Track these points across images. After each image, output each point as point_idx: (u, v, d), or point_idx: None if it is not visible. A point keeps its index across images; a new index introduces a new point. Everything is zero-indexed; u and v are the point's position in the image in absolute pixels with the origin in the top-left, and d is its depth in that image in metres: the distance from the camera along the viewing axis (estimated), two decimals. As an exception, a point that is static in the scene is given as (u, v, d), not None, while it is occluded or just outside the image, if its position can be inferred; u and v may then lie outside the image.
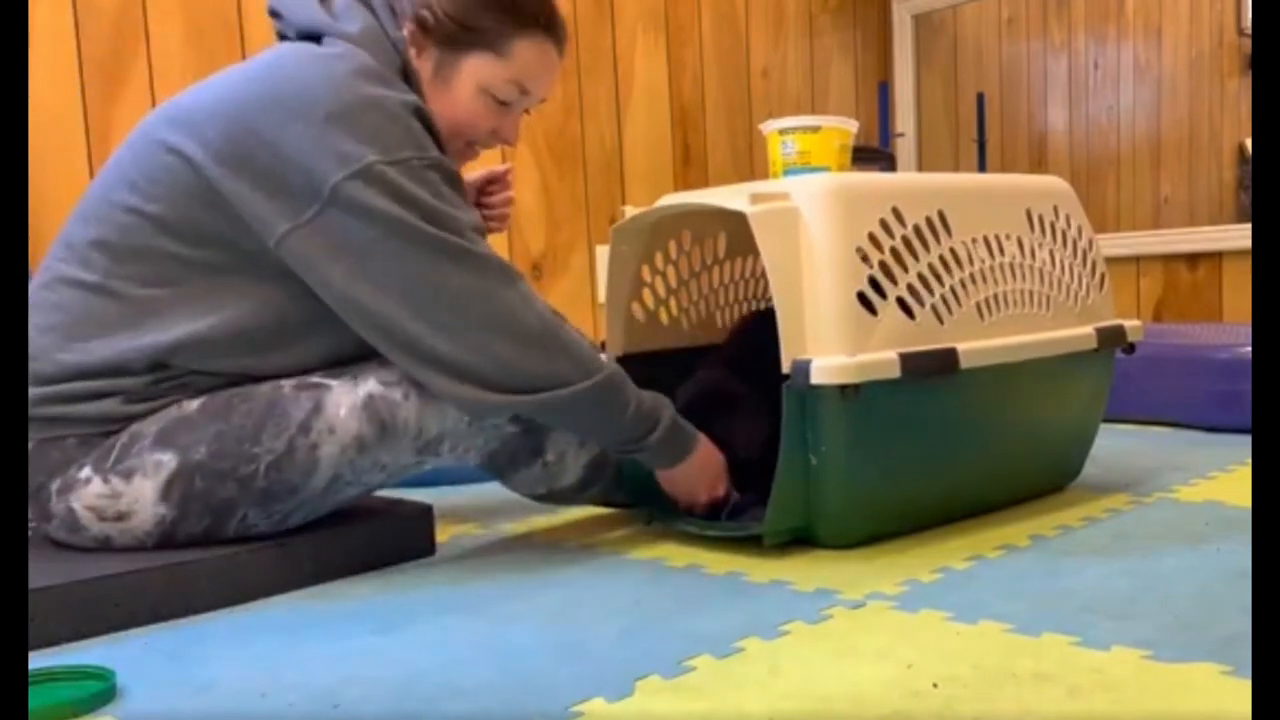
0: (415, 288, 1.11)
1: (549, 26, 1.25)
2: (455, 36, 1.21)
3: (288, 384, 1.17)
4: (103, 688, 0.87)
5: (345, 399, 1.15)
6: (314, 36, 1.19)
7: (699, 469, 1.28)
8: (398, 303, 1.11)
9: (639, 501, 1.38)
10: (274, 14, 1.24)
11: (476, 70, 1.23)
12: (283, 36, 1.24)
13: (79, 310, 1.14)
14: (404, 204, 1.09)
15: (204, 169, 1.11)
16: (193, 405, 1.15)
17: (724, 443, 1.30)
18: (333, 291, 1.12)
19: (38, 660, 0.95)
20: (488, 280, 1.13)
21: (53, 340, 1.13)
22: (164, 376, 1.15)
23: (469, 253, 1.12)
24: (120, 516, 1.12)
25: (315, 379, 1.17)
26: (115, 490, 1.12)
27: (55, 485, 1.13)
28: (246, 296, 1.15)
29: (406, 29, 1.22)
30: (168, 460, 1.12)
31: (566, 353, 1.16)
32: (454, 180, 1.16)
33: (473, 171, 1.46)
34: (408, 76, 1.22)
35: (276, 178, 1.09)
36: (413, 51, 1.22)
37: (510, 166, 1.49)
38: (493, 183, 1.47)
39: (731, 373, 1.39)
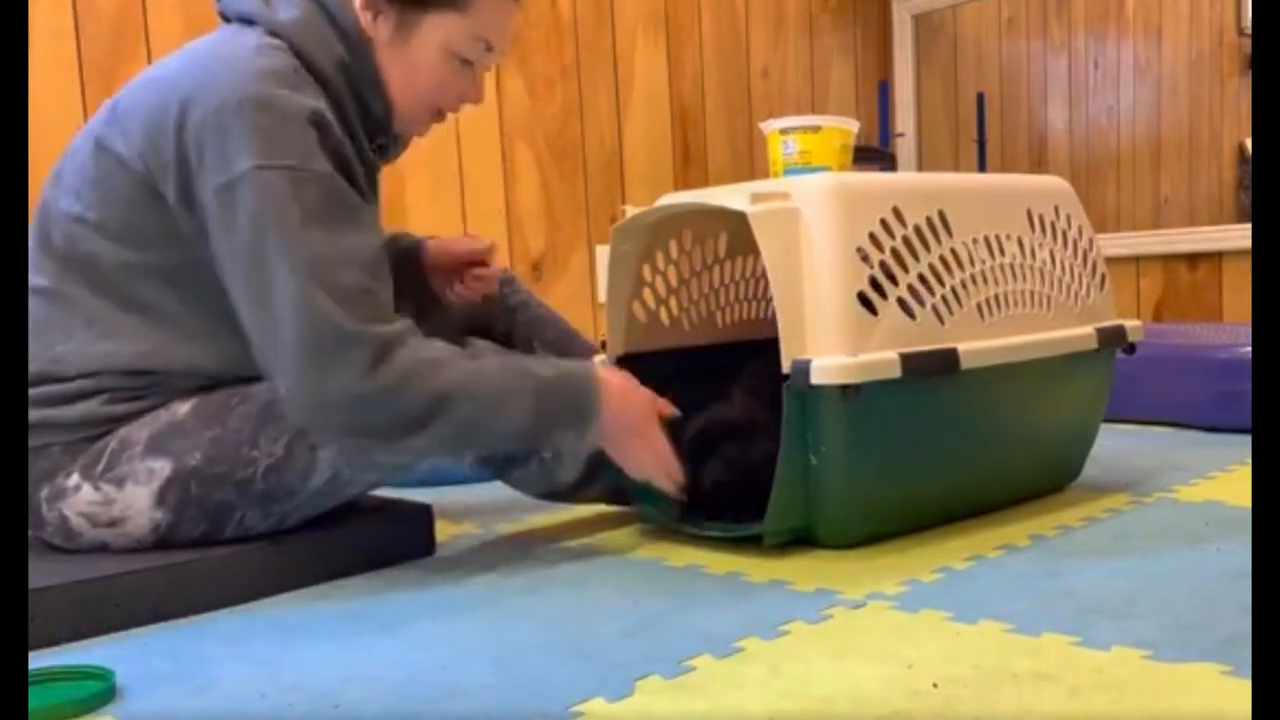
0: (261, 320, 1.08)
1: None
2: None
3: None
4: (103, 688, 0.87)
5: None
6: (249, 22, 1.16)
7: (619, 421, 1.19)
8: (250, 325, 1.10)
9: (640, 501, 1.38)
10: None
11: (439, 28, 1.18)
12: (224, 15, 1.20)
13: (39, 317, 1.14)
14: (271, 218, 1.05)
15: (131, 164, 1.11)
16: (184, 408, 1.14)
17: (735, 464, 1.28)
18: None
19: (38, 660, 0.95)
20: (322, 332, 1.05)
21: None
22: (142, 372, 1.14)
23: (308, 300, 1.05)
24: (114, 522, 1.12)
25: None
26: (107, 497, 1.11)
27: (44, 493, 1.12)
28: (199, 301, 1.13)
29: None
30: (161, 467, 1.11)
31: (408, 391, 1.08)
32: (338, 196, 1.09)
33: (459, 241, 1.43)
34: (356, 57, 1.16)
35: (181, 166, 1.08)
36: (367, 16, 1.17)
37: (492, 248, 1.43)
38: (476, 265, 1.42)
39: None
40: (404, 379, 1.08)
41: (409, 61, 1.19)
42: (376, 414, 1.08)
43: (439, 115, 1.27)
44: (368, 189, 1.18)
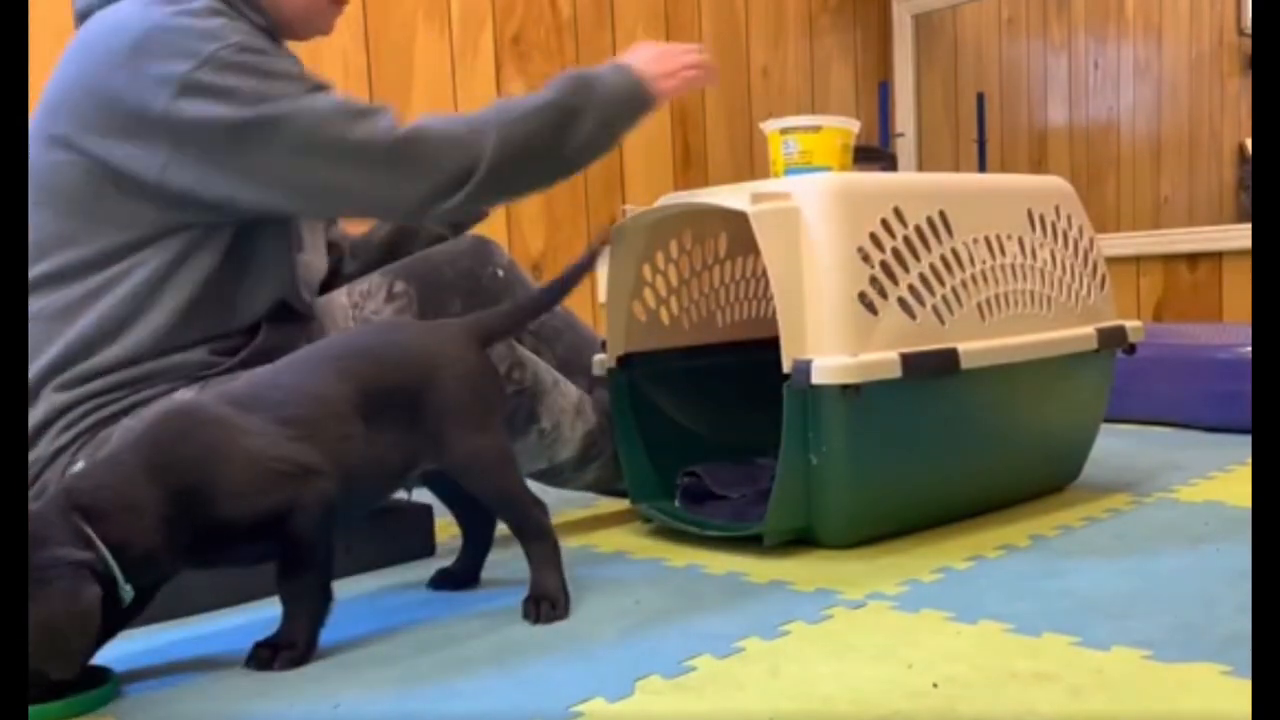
0: (285, 176, 1.13)
1: None
2: None
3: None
4: (103, 688, 0.87)
5: None
6: None
7: (650, 64, 1.28)
8: (285, 192, 1.15)
9: (639, 496, 1.38)
10: None
11: None
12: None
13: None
14: (228, 101, 1.10)
15: (78, 144, 1.13)
16: (187, 395, 1.15)
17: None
18: (233, 204, 1.15)
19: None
20: (333, 125, 1.13)
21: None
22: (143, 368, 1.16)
23: (301, 112, 1.12)
24: None
25: None
26: None
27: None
28: (164, 266, 1.16)
29: None
30: None
31: (443, 146, 1.15)
32: (260, 50, 1.14)
33: None
34: None
35: (122, 125, 1.12)
36: None
37: None
38: None
39: None
40: (411, 134, 1.15)
41: None
42: (408, 163, 1.15)
43: (339, 6, 1.30)
44: None
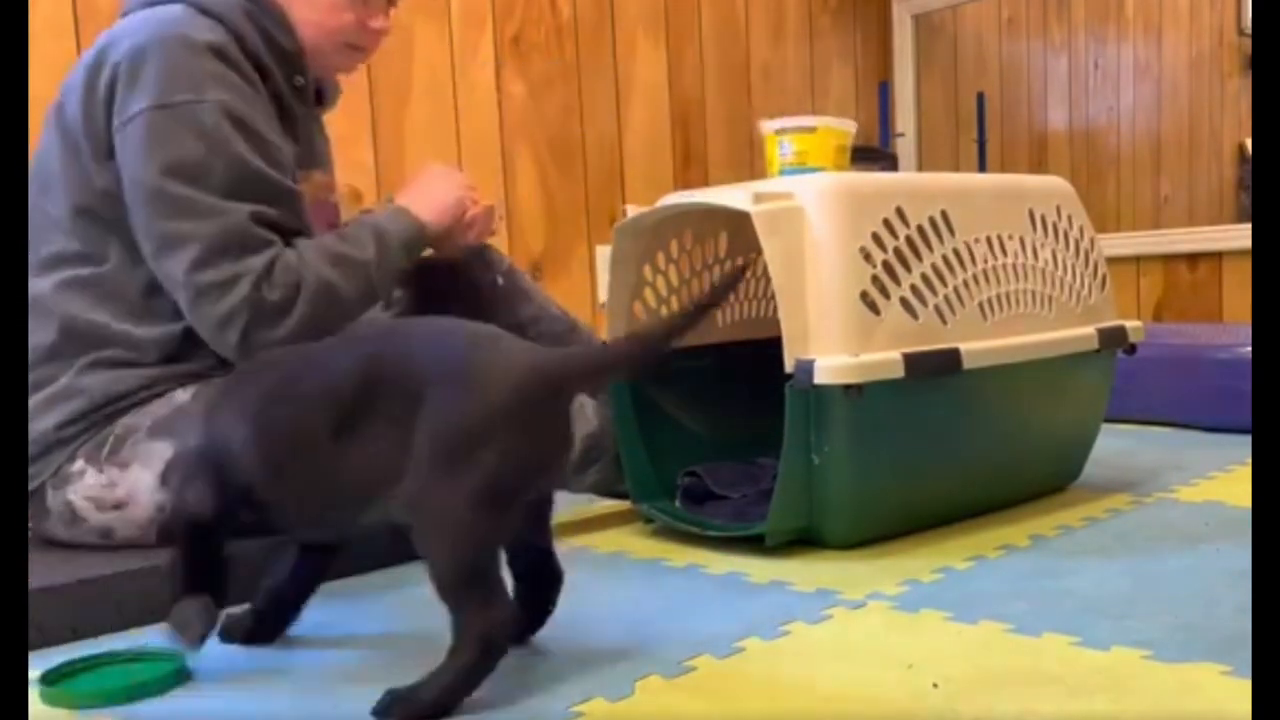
0: (163, 241, 1.11)
1: None
2: None
3: None
4: (179, 666, 0.91)
5: None
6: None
7: (429, 202, 1.27)
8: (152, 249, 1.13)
9: (639, 496, 1.38)
10: None
11: None
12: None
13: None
14: (160, 154, 1.09)
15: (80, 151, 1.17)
16: (185, 395, 1.16)
17: None
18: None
19: (42, 659, 0.95)
20: (195, 256, 1.10)
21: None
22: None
23: (204, 220, 1.09)
24: (119, 505, 1.14)
25: None
26: (111, 480, 1.13)
27: (50, 481, 1.15)
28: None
29: None
30: (163, 449, 1.13)
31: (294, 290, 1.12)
32: (240, 120, 1.12)
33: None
34: (261, 7, 1.20)
35: (89, 133, 1.15)
36: None
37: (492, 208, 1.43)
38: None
39: None
40: (287, 288, 1.12)
41: (309, 2, 1.23)
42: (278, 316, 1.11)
43: (355, 51, 1.30)
44: (286, 134, 1.22)
